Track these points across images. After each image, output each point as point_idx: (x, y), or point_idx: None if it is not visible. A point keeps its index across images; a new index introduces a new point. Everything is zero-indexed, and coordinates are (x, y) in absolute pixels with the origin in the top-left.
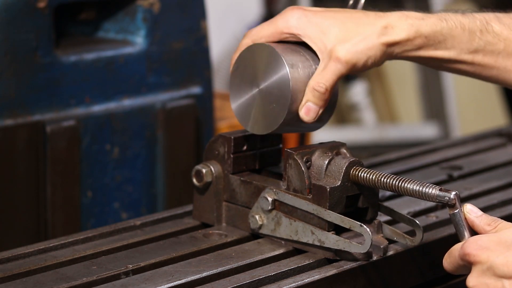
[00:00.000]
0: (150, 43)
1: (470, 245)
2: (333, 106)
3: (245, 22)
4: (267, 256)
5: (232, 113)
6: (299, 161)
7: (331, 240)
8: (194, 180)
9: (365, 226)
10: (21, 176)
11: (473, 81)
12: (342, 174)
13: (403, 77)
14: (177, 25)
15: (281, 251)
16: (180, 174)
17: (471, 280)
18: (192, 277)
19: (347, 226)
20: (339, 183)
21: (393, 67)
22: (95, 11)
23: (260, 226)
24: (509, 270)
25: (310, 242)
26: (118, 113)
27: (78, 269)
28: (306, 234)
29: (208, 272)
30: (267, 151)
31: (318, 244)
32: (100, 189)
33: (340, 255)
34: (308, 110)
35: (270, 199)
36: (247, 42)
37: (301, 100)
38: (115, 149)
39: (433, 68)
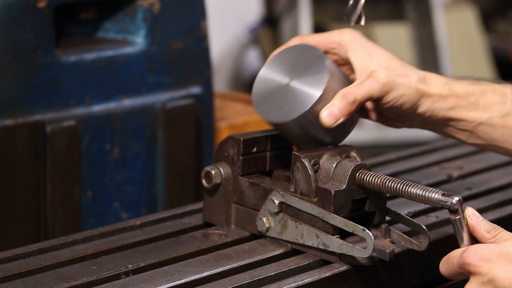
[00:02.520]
0: (150, 43)
1: (470, 255)
2: (347, 132)
3: (245, 22)
4: (267, 256)
5: (232, 113)
6: (306, 164)
7: (335, 244)
8: (204, 181)
9: (367, 231)
10: (21, 176)
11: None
12: (348, 177)
13: None
14: (177, 25)
15: (281, 251)
16: (180, 174)
17: None
18: (192, 277)
19: (350, 230)
20: (344, 187)
21: None
22: (95, 11)
23: (267, 229)
24: (511, 285)
25: (315, 245)
26: (118, 113)
27: (78, 269)
28: (311, 237)
29: (208, 272)
30: (277, 154)
31: (323, 247)
32: (100, 189)
33: (345, 259)
34: (330, 113)
35: (277, 201)
36: (296, 41)
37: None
38: (115, 149)
39: (461, 141)
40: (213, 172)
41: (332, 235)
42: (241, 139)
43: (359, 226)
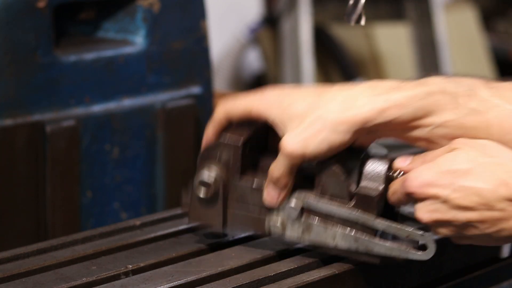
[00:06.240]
0: (150, 43)
1: (412, 184)
2: None
3: (245, 22)
4: (267, 256)
5: None
6: (335, 167)
7: (382, 248)
8: (199, 190)
9: (428, 234)
10: (21, 176)
11: None
12: (384, 178)
13: (402, 76)
14: (177, 25)
15: (281, 251)
16: (180, 174)
17: (424, 216)
18: (192, 277)
19: (404, 235)
20: (381, 188)
21: (392, 66)
22: (95, 11)
23: (284, 234)
24: (466, 200)
25: (353, 249)
26: (118, 113)
27: (77, 269)
28: (347, 240)
29: (208, 272)
30: (264, 153)
31: (364, 251)
32: (100, 189)
33: (385, 260)
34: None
35: (297, 206)
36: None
37: None
38: (115, 149)
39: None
40: (210, 179)
41: (374, 237)
42: (239, 144)
43: (416, 231)
